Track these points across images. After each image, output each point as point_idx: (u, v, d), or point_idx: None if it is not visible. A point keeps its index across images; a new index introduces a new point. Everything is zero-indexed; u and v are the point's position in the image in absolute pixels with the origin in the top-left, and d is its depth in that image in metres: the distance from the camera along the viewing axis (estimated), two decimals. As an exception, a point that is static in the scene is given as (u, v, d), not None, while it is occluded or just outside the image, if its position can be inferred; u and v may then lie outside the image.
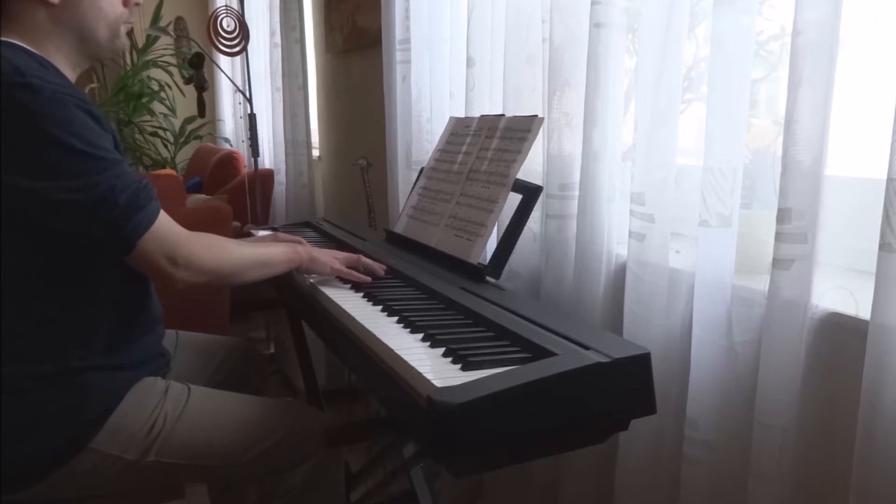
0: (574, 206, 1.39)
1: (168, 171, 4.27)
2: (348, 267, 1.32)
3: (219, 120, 4.69)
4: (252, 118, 3.03)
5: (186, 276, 1.10)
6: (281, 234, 1.49)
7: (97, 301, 1.14)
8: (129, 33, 1.23)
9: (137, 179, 1.09)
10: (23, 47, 1.10)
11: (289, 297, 1.53)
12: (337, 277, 1.32)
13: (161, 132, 4.74)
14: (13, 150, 1.01)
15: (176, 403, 1.19)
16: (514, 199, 1.32)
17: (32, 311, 1.11)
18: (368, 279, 1.30)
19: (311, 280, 1.32)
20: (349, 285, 1.30)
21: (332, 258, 1.32)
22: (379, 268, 1.34)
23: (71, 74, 1.17)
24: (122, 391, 1.15)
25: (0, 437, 1.07)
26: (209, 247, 1.14)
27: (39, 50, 1.12)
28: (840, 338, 1.01)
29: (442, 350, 0.95)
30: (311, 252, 1.31)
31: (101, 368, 1.14)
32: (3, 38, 1.10)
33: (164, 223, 1.10)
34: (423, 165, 1.65)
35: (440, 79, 1.88)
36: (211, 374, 1.47)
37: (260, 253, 1.24)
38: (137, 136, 4.59)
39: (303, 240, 1.44)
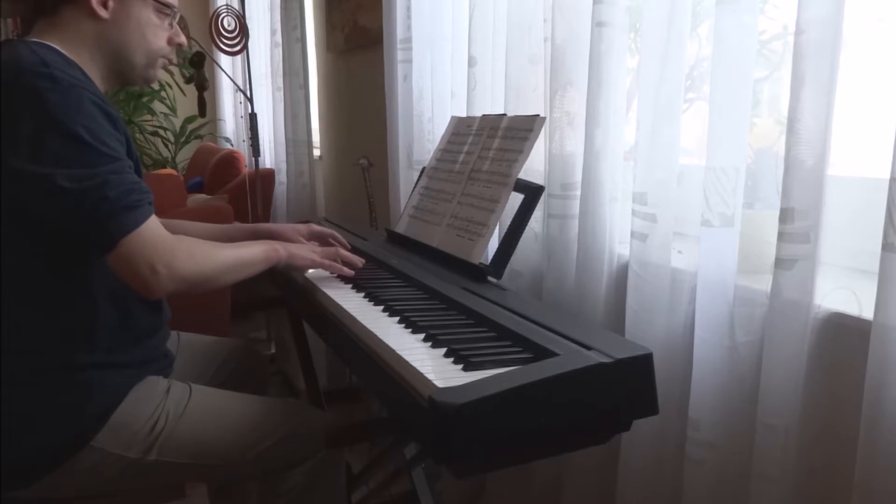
0: (576, 206, 1.39)
1: (169, 170, 4.27)
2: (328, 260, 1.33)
3: (219, 119, 4.68)
4: (253, 117, 3.03)
5: (166, 285, 1.08)
6: (315, 227, 1.49)
7: (96, 299, 1.14)
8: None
9: (135, 180, 1.08)
10: (55, 49, 1.13)
11: (290, 296, 1.53)
12: (337, 276, 1.32)
13: (161, 132, 4.74)
14: (23, 134, 1.03)
15: (178, 402, 1.20)
16: (516, 199, 1.32)
17: (35, 306, 1.11)
18: (350, 272, 1.31)
19: (312, 278, 1.32)
20: (350, 285, 1.30)
21: (310, 252, 1.32)
22: (357, 260, 1.35)
23: (99, 86, 1.18)
24: (125, 389, 1.16)
25: (3, 432, 1.08)
26: (191, 255, 1.12)
27: (75, 56, 1.15)
28: (843, 338, 1.00)
29: (443, 350, 0.95)
30: (289, 248, 1.30)
31: (104, 366, 1.14)
32: (39, 40, 1.14)
33: (153, 228, 1.08)
34: (425, 165, 1.65)
35: (441, 78, 1.88)
36: (212, 375, 1.47)
37: (239, 255, 1.23)
38: (138, 135, 4.57)
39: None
